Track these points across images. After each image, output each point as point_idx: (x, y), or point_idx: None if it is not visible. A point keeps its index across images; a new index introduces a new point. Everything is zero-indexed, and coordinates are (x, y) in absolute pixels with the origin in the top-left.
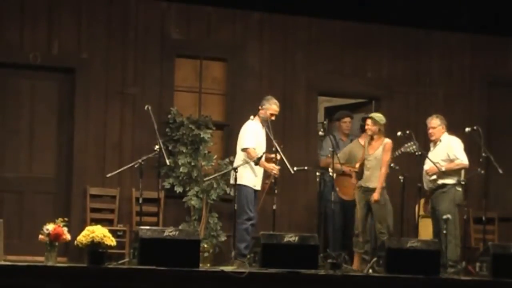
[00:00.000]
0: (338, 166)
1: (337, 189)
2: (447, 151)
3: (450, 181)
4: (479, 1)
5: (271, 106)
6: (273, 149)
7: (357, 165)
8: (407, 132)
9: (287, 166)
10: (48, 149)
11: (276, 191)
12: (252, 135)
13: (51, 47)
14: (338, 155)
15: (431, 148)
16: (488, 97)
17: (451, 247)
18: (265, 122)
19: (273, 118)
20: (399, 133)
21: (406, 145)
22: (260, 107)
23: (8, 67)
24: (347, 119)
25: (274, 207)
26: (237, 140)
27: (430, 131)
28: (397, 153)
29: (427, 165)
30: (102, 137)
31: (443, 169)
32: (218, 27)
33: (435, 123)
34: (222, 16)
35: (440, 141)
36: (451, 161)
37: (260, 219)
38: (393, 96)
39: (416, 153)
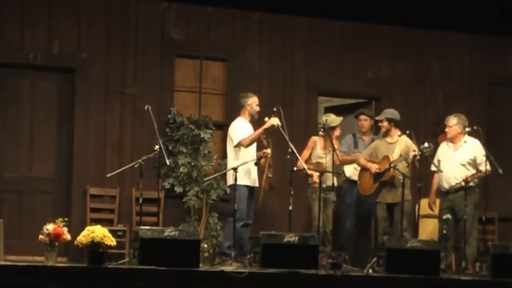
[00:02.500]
0: (337, 162)
1: (358, 182)
2: (475, 154)
3: (472, 184)
4: (479, 1)
5: (254, 99)
6: (289, 150)
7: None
8: (475, 128)
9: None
10: (48, 149)
11: (292, 192)
12: (240, 129)
13: (51, 47)
14: (364, 151)
15: (448, 149)
16: (488, 97)
17: (472, 248)
18: (254, 116)
19: (258, 108)
20: (467, 129)
21: (421, 146)
22: (245, 105)
23: (8, 67)
24: (363, 117)
25: (290, 207)
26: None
27: (446, 129)
28: (411, 154)
29: (455, 166)
30: (102, 137)
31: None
32: (218, 27)
33: (451, 122)
34: (222, 16)
35: (465, 142)
36: (476, 164)
37: (260, 219)
38: (393, 96)
39: (426, 154)
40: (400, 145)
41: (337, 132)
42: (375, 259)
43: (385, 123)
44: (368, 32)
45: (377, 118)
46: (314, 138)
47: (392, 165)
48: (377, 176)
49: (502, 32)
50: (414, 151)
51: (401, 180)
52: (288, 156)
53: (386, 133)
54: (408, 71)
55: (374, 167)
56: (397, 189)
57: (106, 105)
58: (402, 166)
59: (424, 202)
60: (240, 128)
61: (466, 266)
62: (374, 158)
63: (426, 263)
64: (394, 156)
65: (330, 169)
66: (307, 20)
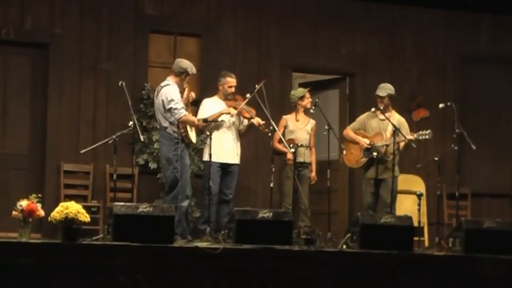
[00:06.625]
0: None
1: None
2: None
3: None
4: None
5: (226, 79)
6: (270, 127)
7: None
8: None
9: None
10: (21, 125)
11: (273, 169)
12: (203, 108)
13: (24, 23)
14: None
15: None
16: (461, 73)
17: None
18: (227, 96)
19: (232, 90)
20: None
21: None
22: (218, 85)
23: None
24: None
25: (272, 184)
26: None
27: None
28: (407, 138)
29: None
30: (76, 113)
31: None
32: (192, 3)
33: None
34: None
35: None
36: None
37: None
38: (367, 72)
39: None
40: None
41: (305, 103)
42: (349, 235)
43: (386, 100)
44: (342, 8)
45: (379, 94)
46: (285, 117)
47: (381, 144)
48: (367, 151)
49: (475, 9)
50: (413, 133)
51: (387, 159)
52: (269, 134)
53: (383, 109)
54: (382, 48)
55: (364, 142)
56: (385, 165)
57: (80, 81)
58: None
59: (399, 177)
60: (203, 107)
61: (439, 242)
62: (362, 131)
63: (400, 238)
64: (387, 134)
65: (303, 144)
66: None
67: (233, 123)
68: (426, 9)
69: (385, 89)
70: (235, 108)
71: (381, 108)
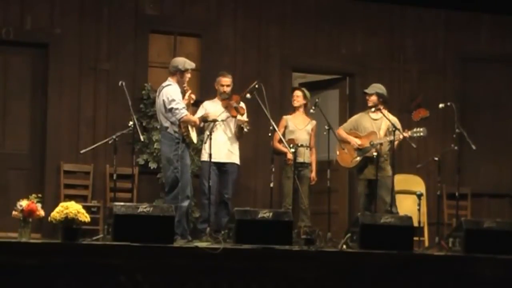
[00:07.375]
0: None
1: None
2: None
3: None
4: None
5: (219, 78)
6: (271, 127)
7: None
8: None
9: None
10: (21, 125)
11: (273, 169)
12: (200, 111)
13: (24, 22)
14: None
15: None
16: (461, 73)
17: None
18: (221, 95)
19: (226, 89)
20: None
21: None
22: (214, 85)
23: None
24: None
25: (272, 184)
26: None
27: None
28: (403, 134)
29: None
30: (76, 112)
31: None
32: (192, 3)
33: None
34: None
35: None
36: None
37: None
38: (367, 72)
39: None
40: (386, 122)
41: (294, 102)
42: (349, 235)
43: (374, 98)
44: (342, 8)
45: (367, 91)
46: (285, 117)
47: (377, 142)
48: (360, 151)
49: (475, 9)
50: (407, 131)
51: (385, 157)
52: (269, 134)
53: (372, 108)
54: (382, 47)
55: (356, 142)
56: (379, 165)
57: (80, 80)
58: (387, 143)
59: (398, 177)
60: (200, 109)
61: (439, 242)
62: (354, 131)
63: (400, 238)
64: (381, 133)
65: (303, 144)
66: None
67: (228, 123)
68: (426, 9)
69: (374, 87)
70: (228, 107)
71: (369, 105)
